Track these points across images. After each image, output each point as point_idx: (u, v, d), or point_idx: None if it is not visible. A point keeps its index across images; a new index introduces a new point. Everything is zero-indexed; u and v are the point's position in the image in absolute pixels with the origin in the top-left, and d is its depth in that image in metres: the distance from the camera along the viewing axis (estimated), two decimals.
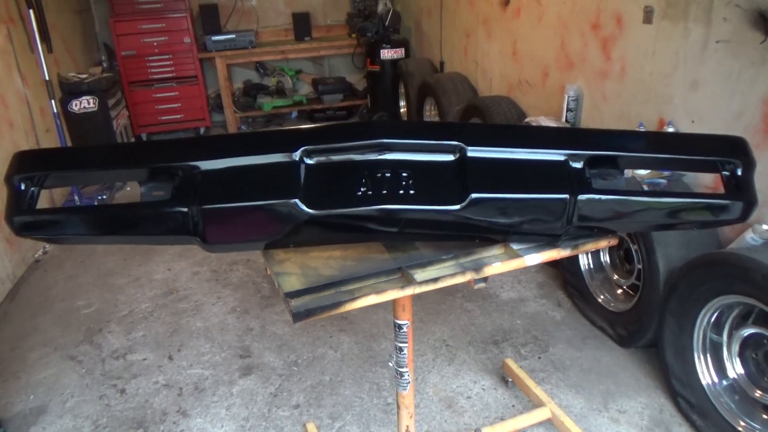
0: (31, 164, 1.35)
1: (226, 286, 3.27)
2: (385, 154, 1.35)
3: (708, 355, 2.09)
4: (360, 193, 1.32)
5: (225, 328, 2.89)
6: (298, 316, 1.26)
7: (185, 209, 1.29)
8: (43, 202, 3.95)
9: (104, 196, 4.46)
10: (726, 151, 1.38)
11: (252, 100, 6.33)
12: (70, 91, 4.51)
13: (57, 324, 3.00)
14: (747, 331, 1.99)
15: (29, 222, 1.33)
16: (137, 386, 2.51)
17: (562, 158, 1.37)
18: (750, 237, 2.12)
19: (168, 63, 5.82)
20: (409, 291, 1.36)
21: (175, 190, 1.32)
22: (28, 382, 2.56)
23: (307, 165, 1.33)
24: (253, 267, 3.43)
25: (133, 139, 5.63)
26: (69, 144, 4.31)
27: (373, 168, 1.34)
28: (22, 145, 3.77)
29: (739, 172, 1.36)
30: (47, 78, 4.04)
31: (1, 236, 3.24)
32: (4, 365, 2.68)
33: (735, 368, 2.05)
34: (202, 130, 6.16)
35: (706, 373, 2.08)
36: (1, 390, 2.52)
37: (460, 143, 1.35)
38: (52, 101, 4.10)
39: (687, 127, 2.51)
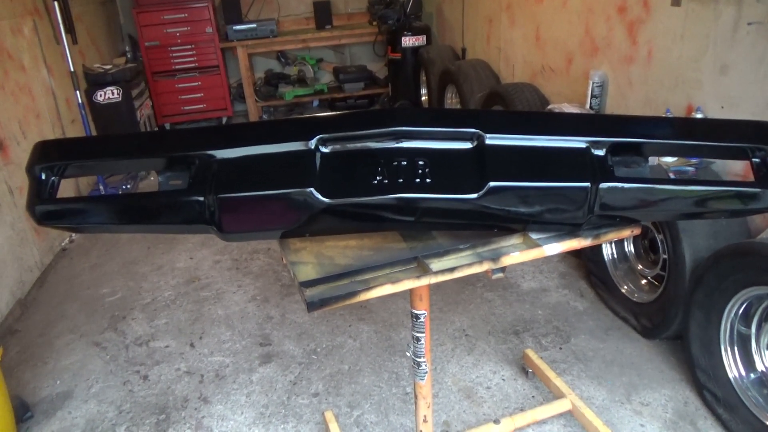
0: (50, 154, 1.37)
1: (247, 274, 3.30)
2: (401, 142, 1.33)
3: (735, 348, 2.03)
4: (376, 181, 1.30)
5: (245, 316, 2.91)
6: (313, 305, 1.25)
7: (201, 198, 1.30)
8: (70, 192, 4.03)
9: (128, 186, 4.52)
10: (755, 137, 1.33)
11: (273, 90, 6.34)
12: (94, 81, 4.56)
13: (83, 311, 3.06)
14: None
15: (49, 211, 1.35)
16: (160, 373, 2.55)
17: (583, 145, 1.34)
18: None
19: (190, 53, 5.86)
20: (425, 281, 1.34)
21: (191, 179, 1.32)
22: (54, 368, 2.63)
23: (323, 153, 1.32)
24: (274, 256, 3.45)
25: (156, 129, 5.70)
26: (94, 134, 4.38)
27: (389, 156, 1.32)
28: (48, 135, 3.84)
29: None
30: (72, 69, 4.10)
31: (29, 226, 3.31)
32: (32, 351, 2.75)
33: (764, 361, 1.99)
34: (224, 120, 6.20)
35: (733, 366, 2.03)
36: (30, 375, 2.59)
37: (478, 130, 1.33)
38: (78, 92, 4.17)
39: (716, 113, 2.43)
